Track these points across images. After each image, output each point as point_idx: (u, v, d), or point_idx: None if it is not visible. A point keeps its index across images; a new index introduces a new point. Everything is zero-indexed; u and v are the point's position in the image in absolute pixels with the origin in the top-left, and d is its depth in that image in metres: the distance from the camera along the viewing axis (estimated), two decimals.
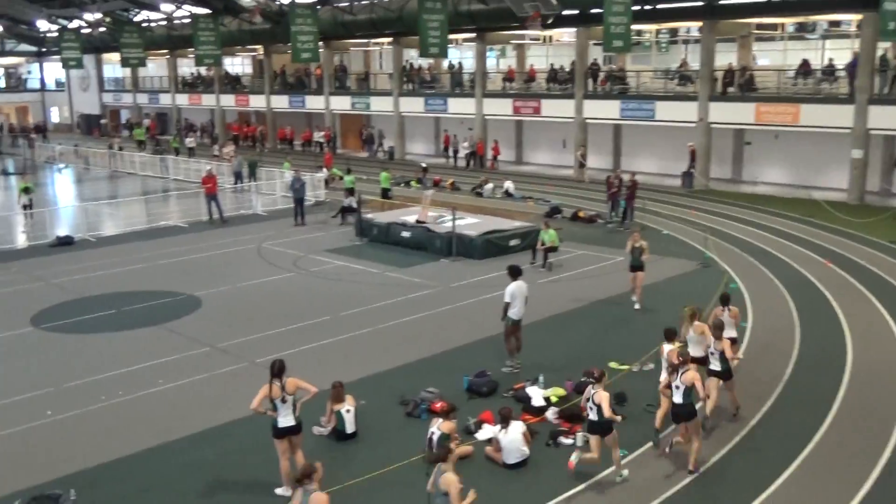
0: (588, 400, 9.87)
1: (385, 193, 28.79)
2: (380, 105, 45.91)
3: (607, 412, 9.71)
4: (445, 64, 45.36)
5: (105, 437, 11.27)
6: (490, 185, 32.37)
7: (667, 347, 11.28)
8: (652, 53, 41.99)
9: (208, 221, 27.44)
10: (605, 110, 36.17)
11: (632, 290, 17.02)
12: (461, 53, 49.68)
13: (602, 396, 9.74)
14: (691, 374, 10.00)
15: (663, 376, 10.91)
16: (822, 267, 20.26)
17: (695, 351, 11.78)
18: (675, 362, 10.23)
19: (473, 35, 41.49)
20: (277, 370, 9.48)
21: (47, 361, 14.40)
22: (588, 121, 36.90)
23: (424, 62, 46.98)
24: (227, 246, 23.77)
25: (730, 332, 12.47)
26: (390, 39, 45.72)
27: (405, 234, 23.16)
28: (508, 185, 32.51)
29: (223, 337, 15.44)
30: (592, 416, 9.84)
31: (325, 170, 35.60)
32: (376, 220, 24.51)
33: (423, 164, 37.51)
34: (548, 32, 42.95)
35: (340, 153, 48.03)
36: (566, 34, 43.77)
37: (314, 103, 49.87)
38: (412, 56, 49.05)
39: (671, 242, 23.49)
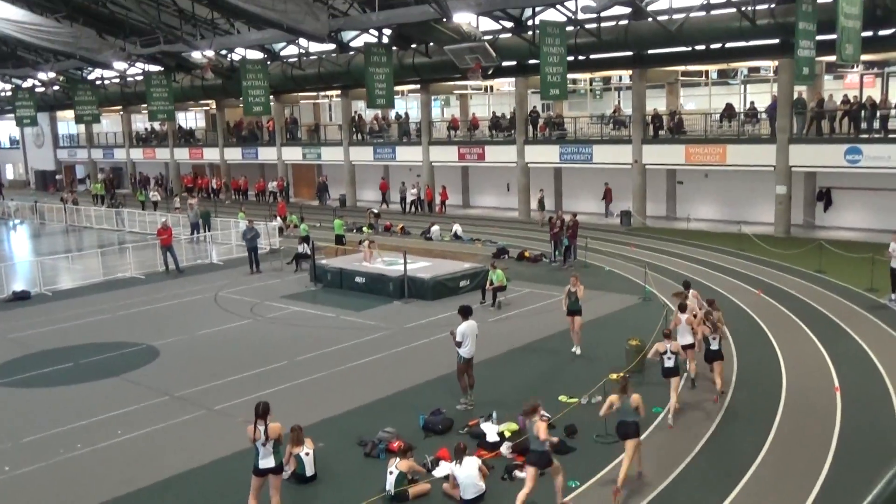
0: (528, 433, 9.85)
1: (339, 240, 28.70)
2: (330, 155, 45.98)
3: (543, 436, 9.42)
4: (392, 114, 45.72)
5: (65, 490, 10.86)
6: (436, 228, 32.56)
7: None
8: (587, 100, 42.92)
9: (164, 272, 27.02)
10: (545, 155, 36.80)
11: (572, 334, 16.33)
12: (407, 104, 50.16)
13: (539, 426, 9.52)
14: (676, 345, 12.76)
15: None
16: (754, 297, 20.68)
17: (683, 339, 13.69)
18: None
19: (418, 86, 42.02)
20: (261, 412, 9.27)
21: (5, 416, 13.89)
22: (530, 165, 37.43)
23: (372, 113, 47.31)
24: (184, 295, 23.40)
25: (686, 339, 13.65)
26: (339, 92, 45.96)
27: (359, 278, 23.07)
28: (457, 228, 32.68)
29: (182, 385, 15.11)
30: (533, 446, 9.63)
31: (278, 218, 35.39)
32: (330, 265, 24.39)
33: (375, 210, 37.53)
34: (489, 82, 43.70)
35: (294, 202, 47.90)
36: (506, 83, 44.58)
37: (267, 154, 49.76)
38: (360, 107, 49.35)
39: (613, 278, 23.79)
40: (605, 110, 39.53)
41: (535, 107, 39.22)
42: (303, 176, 51.34)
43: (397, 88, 41.39)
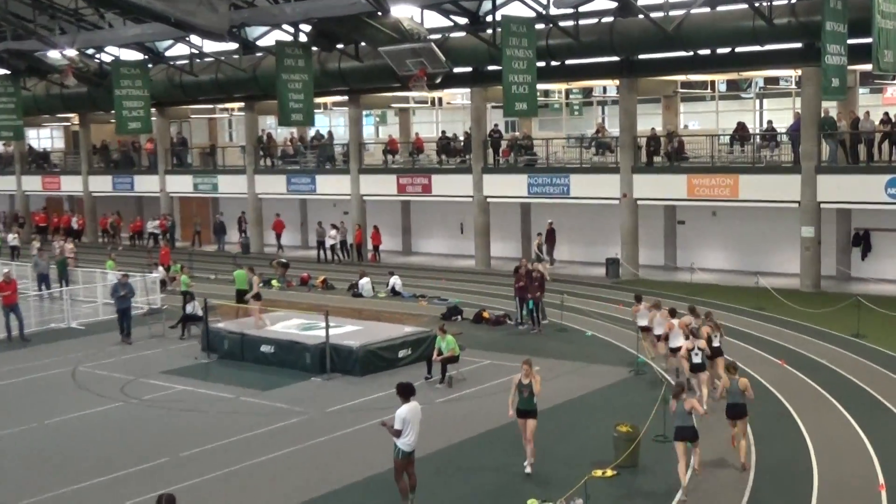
0: None
1: (241, 296, 28.49)
2: (230, 185, 46.01)
3: (698, 409, 13.29)
4: (312, 133, 45.92)
5: None
6: (367, 281, 32.60)
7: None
8: (563, 118, 43.74)
9: (6, 339, 26.50)
10: (509, 186, 37.28)
11: (524, 444, 15.04)
12: (331, 120, 50.46)
13: (690, 403, 13.24)
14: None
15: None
16: (776, 368, 21.02)
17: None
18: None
19: (346, 98, 42.38)
20: None
21: None
22: (490, 200, 37.85)
23: (286, 132, 47.38)
24: (32, 371, 22.91)
25: (678, 341, 19.35)
26: (242, 104, 46.09)
27: (266, 347, 22.89)
28: (394, 281, 32.74)
29: (23, 495, 14.69)
30: (681, 422, 13.59)
31: (160, 268, 35.01)
32: (228, 330, 24.14)
33: (283, 259, 37.40)
34: (436, 94, 44.32)
35: (181, 246, 47.65)
36: (459, 95, 45.25)
37: (146, 185, 49.55)
38: (270, 124, 49.47)
39: (596, 345, 23.96)
40: (586, 130, 40.30)
41: (496, 125, 39.82)
42: (196, 213, 51.19)
43: (318, 100, 41.61)
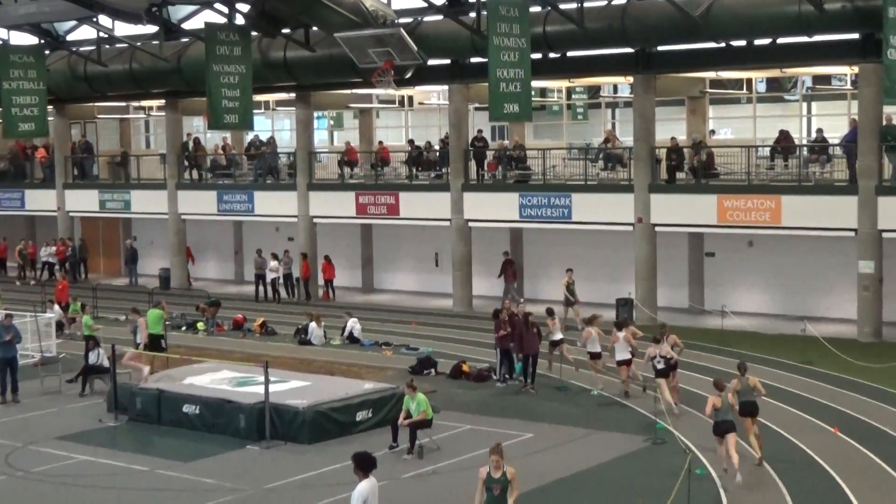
0: None
1: (156, 342, 28.35)
2: (146, 203, 45.93)
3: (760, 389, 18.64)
4: (250, 139, 45.89)
5: None
6: (314, 325, 32.59)
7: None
8: (563, 123, 43.88)
9: None
10: (496, 207, 37.37)
11: None
12: (275, 123, 50.40)
13: (753, 381, 18.43)
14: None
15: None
16: (827, 437, 21.00)
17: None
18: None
19: (292, 96, 42.48)
20: None
21: None
22: (473, 224, 37.90)
23: (217, 137, 47.29)
24: None
25: (623, 355, 24.43)
26: (162, 102, 46.06)
27: (190, 407, 22.73)
28: (352, 324, 32.66)
29: None
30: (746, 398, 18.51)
31: (56, 307, 34.76)
32: (143, 386, 23.98)
33: (212, 297, 37.22)
34: (406, 91, 44.49)
35: (87, 279, 47.48)
36: (435, 94, 45.33)
37: (39, 201, 49.32)
38: (197, 127, 49.28)
39: (605, 407, 23.97)
40: (593, 139, 40.45)
41: (480, 131, 39.88)
42: (103, 237, 50.94)
43: (258, 98, 41.65)
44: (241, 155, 45.75)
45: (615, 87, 42.67)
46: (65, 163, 48.45)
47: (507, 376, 26.63)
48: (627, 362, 24.44)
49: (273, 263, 41.47)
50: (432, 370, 27.83)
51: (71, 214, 48.69)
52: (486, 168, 38.64)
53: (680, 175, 35.05)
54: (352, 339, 32.25)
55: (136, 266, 46.68)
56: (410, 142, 42.86)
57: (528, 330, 25.97)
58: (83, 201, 48.02)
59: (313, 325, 32.62)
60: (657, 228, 34.59)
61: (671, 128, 37.84)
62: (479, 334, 32.33)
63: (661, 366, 22.96)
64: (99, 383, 26.02)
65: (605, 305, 35.73)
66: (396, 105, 47.47)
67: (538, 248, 39.48)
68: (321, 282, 41.72)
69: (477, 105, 40.66)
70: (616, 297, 35.03)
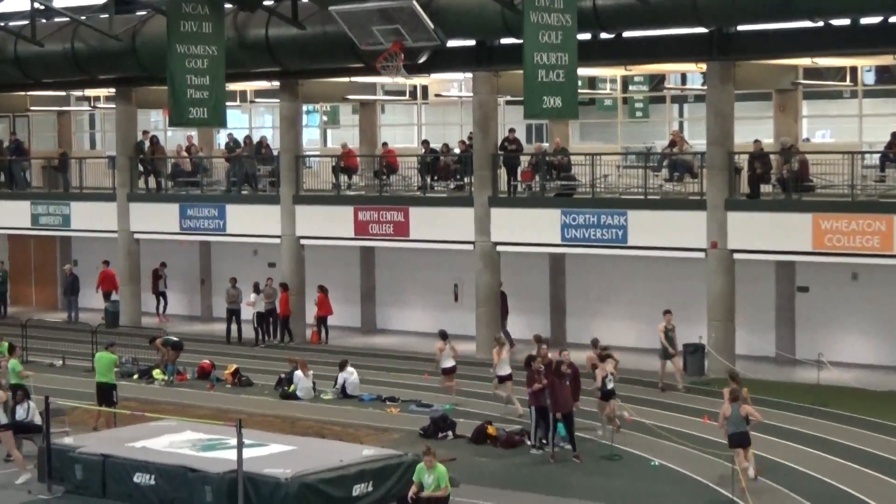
0: None
1: (105, 393, 28.40)
2: (90, 218, 46.13)
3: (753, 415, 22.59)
4: (221, 139, 45.96)
5: None
6: (300, 374, 32.58)
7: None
8: (618, 121, 43.93)
9: None
10: (532, 228, 37.35)
11: None
12: (253, 119, 50.47)
13: (746, 409, 22.30)
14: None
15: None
16: None
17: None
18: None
19: (276, 84, 42.68)
20: None
21: None
22: (502, 248, 37.89)
23: (180, 136, 47.40)
24: None
25: (504, 370, 29.85)
26: (111, 92, 46.28)
27: (143, 477, 22.67)
28: (348, 375, 32.68)
29: None
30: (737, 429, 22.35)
31: None
32: (85, 449, 23.96)
33: (172, 338, 36.95)
34: (419, 80, 44.68)
35: (13, 313, 47.67)
36: (455, 84, 45.36)
37: None
38: (156, 124, 49.45)
39: (667, 482, 23.93)
40: (654, 142, 40.45)
41: (512, 131, 39.80)
42: (35, 260, 51.03)
43: (232, 87, 41.66)
44: (211, 158, 45.72)
45: (683, 77, 42.62)
46: None
47: (543, 441, 26.57)
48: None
49: (253, 296, 41.48)
50: (450, 432, 27.85)
51: None
52: (519, 178, 38.74)
53: (765, 189, 35.07)
54: (347, 394, 32.26)
55: (76, 297, 46.85)
56: (424, 143, 42.84)
57: (559, 382, 26.03)
58: (10, 215, 48.23)
59: (299, 373, 32.62)
60: (736, 256, 34.59)
61: (754, 129, 37.88)
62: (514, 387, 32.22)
63: (610, 385, 27.19)
64: (29, 445, 25.87)
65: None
66: (406, 97, 47.66)
67: (585, 279, 39.56)
68: (312, 319, 41.81)
69: (509, 98, 40.87)
70: (683, 342, 34.96)
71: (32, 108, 52.17)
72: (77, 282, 47.07)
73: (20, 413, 26.32)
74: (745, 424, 22.85)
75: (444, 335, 31.76)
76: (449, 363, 31.48)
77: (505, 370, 30.12)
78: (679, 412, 29.87)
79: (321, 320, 41.56)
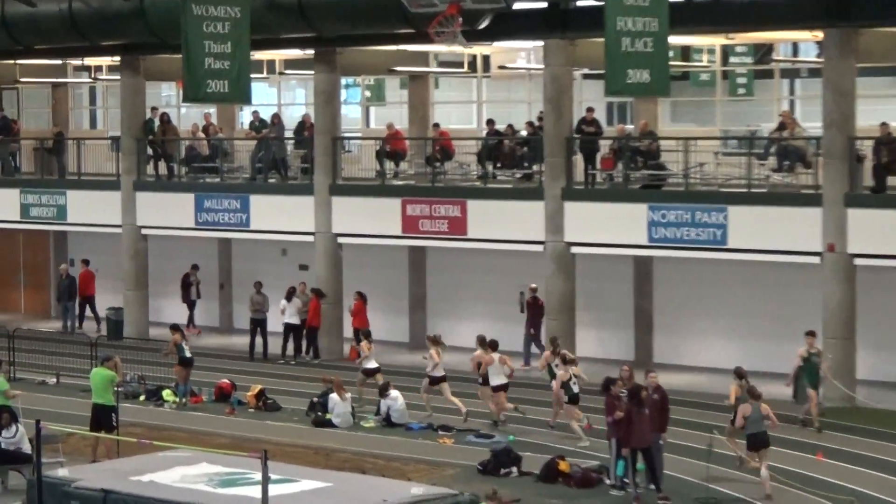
0: None
1: (105, 417, 28.43)
2: (90, 210, 46.47)
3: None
4: (245, 116, 46.00)
5: None
6: (335, 397, 32.54)
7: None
8: (716, 99, 43.87)
9: None
10: (614, 225, 37.23)
11: None
12: (285, 93, 50.56)
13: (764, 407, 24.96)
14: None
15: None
16: None
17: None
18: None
19: (310, 53, 42.86)
20: None
21: None
22: (577, 250, 37.86)
23: (196, 114, 47.50)
24: None
25: (499, 380, 31.80)
26: (115, 61, 46.57)
27: None
28: (392, 401, 32.65)
29: None
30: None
31: None
32: (83, 483, 24.02)
33: (186, 350, 36.86)
34: (480, 49, 44.74)
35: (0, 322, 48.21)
36: (522, 54, 45.23)
37: None
38: (167, 99, 49.59)
39: None
40: (760, 124, 40.23)
41: (590, 111, 39.82)
42: (25, 259, 51.46)
43: (259, 56, 41.77)
44: (232, 140, 45.91)
45: (795, 48, 42.48)
46: None
47: (625, 479, 26.45)
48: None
49: (284, 303, 41.57)
50: (514, 469, 27.75)
51: None
52: (598, 166, 38.76)
53: (893, 181, 34.88)
54: (390, 422, 32.26)
55: (73, 303, 47.21)
56: (489, 123, 42.93)
57: (638, 410, 25.85)
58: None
59: (334, 396, 32.64)
60: (857, 261, 34.50)
61: (880, 109, 37.57)
62: (587, 412, 31.92)
63: (576, 388, 30.33)
64: (16, 477, 26.14)
65: (773, 376, 35.40)
66: (464, 70, 47.52)
67: (675, 287, 39.52)
68: (347, 332, 41.82)
69: (586, 72, 40.95)
70: (793, 368, 34.11)
71: (23, 79, 52.40)
72: (74, 285, 47.36)
73: (6, 440, 26.57)
74: (764, 424, 25.14)
75: (491, 345, 32.45)
76: (499, 380, 32.05)
77: (438, 372, 33.09)
78: (786, 446, 29.65)
79: (361, 334, 41.04)
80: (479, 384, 32.71)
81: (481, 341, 32.48)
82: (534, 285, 39.17)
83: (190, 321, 46.54)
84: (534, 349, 39.41)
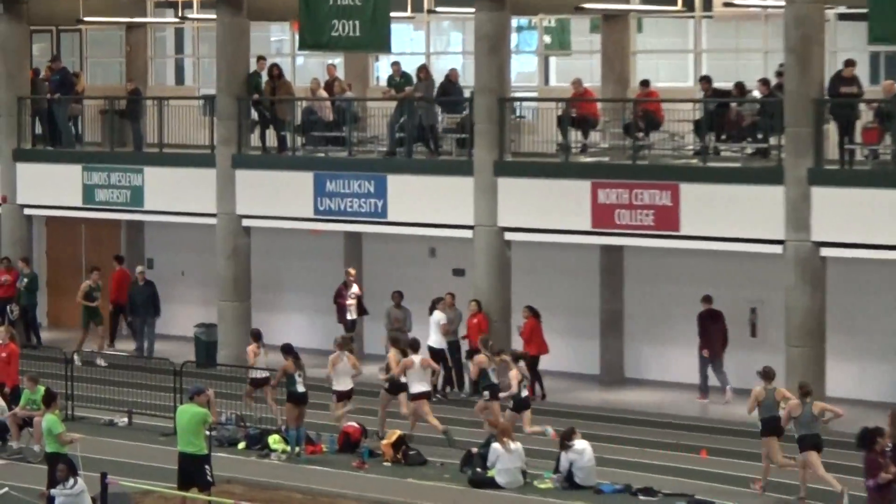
0: None
1: (193, 469, 28.16)
2: (175, 194, 46.70)
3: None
4: (382, 72, 45.88)
5: None
6: (498, 447, 31.99)
7: None
8: None
9: None
10: (879, 220, 36.61)
11: None
12: (435, 39, 50.34)
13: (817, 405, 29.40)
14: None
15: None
16: None
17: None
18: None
19: None
20: None
21: None
22: (827, 251, 37.22)
23: (316, 65, 47.41)
24: None
25: (421, 386, 36.33)
26: None
27: None
28: (576, 455, 32.16)
29: None
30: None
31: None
32: None
33: (299, 384, 36.67)
34: None
35: (51, 340, 48.54)
36: None
37: None
38: (277, 46, 49.70)
39: None
40: None
41: (850, 64, 39.07)
42: (87, 258, 51.90)
43: None
44: (365, 101, 45.76)
45: None
46: (16, 109, 49.30)
47: None
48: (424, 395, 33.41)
49: (438, 316, 41.73)
50: None
51: (26, 212, 49.86)
52: (859, 138, 37.92)
53: None
54: (572, 482, 31.80)
55: (154, 319, 47.36)
56: (705, 80, 42.46)
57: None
58: (51, 186, 49.24)
59: (497, 446, 32.34)
60: None
61: None
62: (840, 473, 31.45)
63: (524, 393, 35.37)
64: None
65: None
66: (678, 6, 46.76)
67: None
68: (510, 355, 41.12)
69: (842, 11, 40.36)
70: None
71: (87, 18, 52.31)
72: (154, 293, 47.56)
73: (63, 496, 26.30)
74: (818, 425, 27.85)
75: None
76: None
77: (346, 384, 36.53)
78: None
79: (532, 359, 41.17)
80: None
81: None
82: (708, 294, 39.56)
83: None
84: (712, 379, 40.29)
